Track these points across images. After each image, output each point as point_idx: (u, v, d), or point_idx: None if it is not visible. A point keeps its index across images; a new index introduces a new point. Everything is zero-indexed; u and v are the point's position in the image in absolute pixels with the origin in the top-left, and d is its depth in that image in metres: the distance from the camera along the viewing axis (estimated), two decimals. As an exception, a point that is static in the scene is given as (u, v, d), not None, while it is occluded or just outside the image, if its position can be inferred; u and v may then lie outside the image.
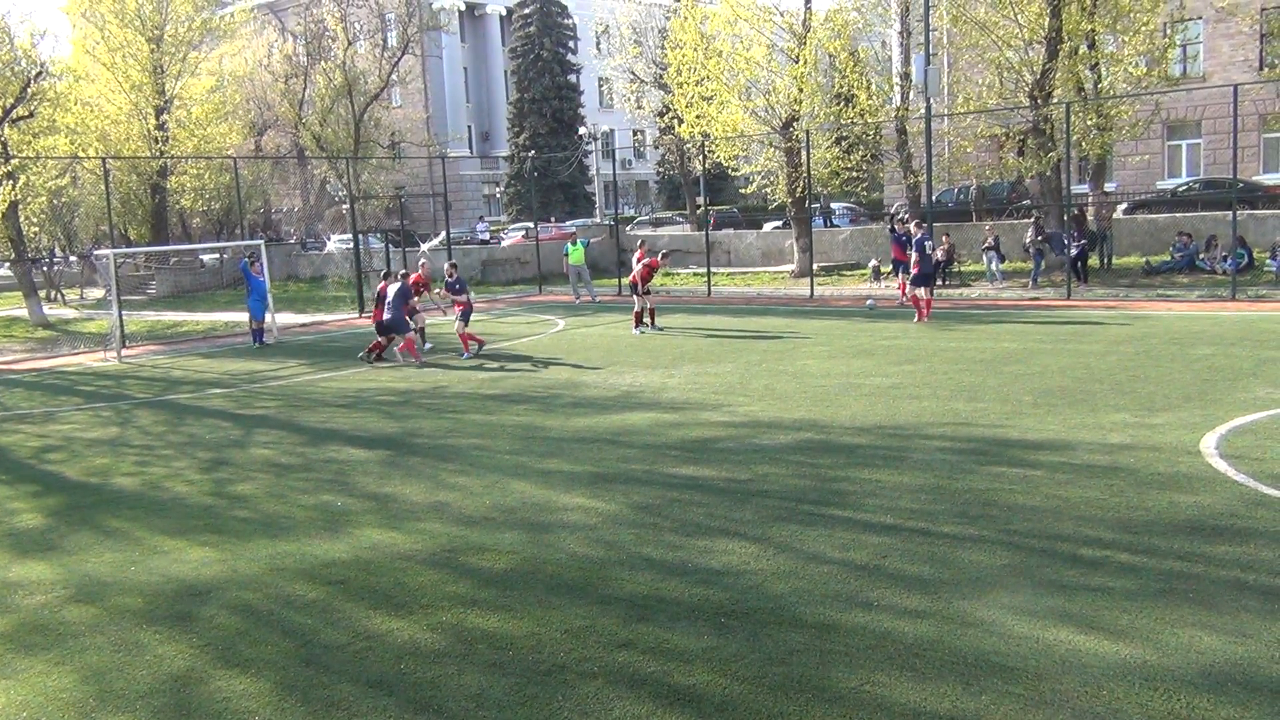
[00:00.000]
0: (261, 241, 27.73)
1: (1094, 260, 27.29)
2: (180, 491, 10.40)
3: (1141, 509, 8.02)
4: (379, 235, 40.77)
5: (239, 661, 6.17)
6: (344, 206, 42.58)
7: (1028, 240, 27.27)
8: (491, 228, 55.51)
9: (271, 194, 54.73)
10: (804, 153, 29.88)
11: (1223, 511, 7.85)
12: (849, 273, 33.22)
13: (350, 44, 47.16)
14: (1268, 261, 25.00)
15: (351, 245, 32.90)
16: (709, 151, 33.60)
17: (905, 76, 33.40)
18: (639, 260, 22.15)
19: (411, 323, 19.44)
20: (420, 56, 53.19)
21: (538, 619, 6.53)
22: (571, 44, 65.86)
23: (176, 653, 6.34)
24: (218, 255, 44.16)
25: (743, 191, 38.55)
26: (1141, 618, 6.03)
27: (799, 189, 31.60)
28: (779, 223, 40.82)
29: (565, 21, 65.59)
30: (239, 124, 45.62)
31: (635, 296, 21.77)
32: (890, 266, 25.72)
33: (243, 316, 25.70)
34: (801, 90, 31.00)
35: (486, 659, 5.98)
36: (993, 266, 27.85)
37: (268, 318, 23.59)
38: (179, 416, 14.88)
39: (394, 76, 49.00)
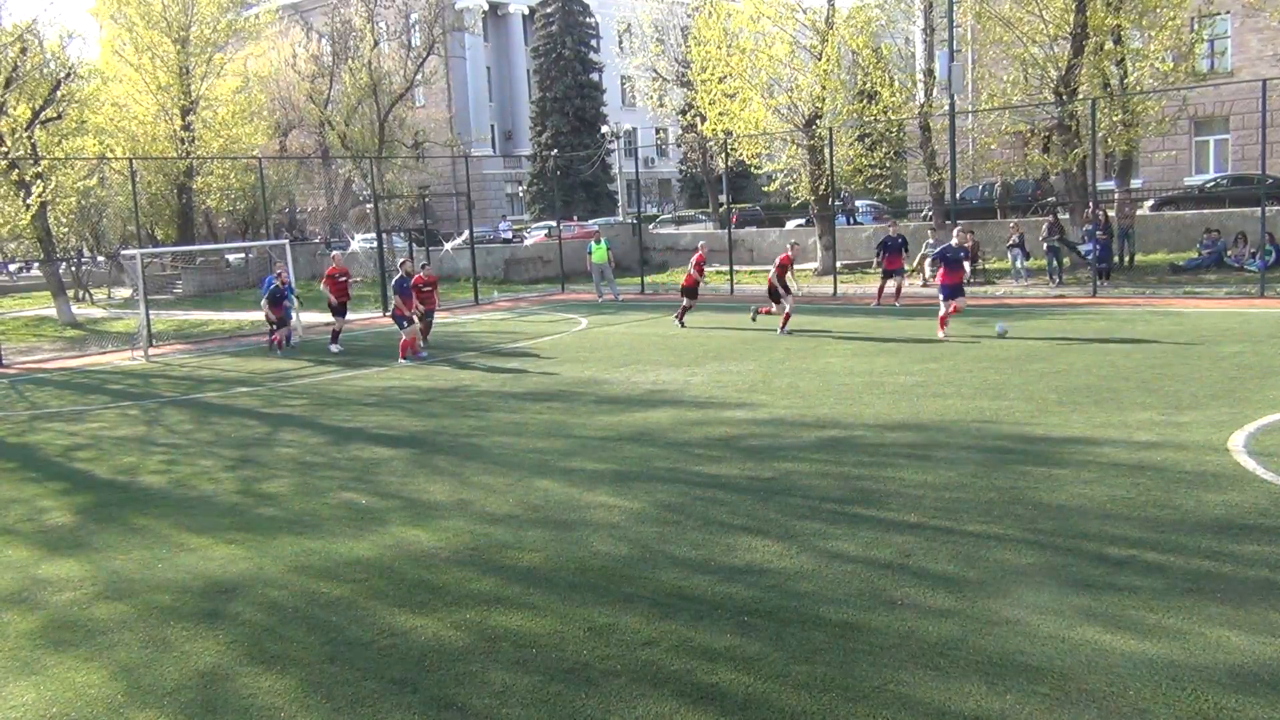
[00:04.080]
0: (286, 241, 27.91)
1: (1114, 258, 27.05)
2: (207, 489, 10.48)
3: (1169, 508, 7.95)
4: (403, 234, 40.97)
5: (265, 658, 6.21)
6: (368, 206, 42.76)
7: (1042, 238, 27.11)
8: (514, 227, 55.67)
9: (296, 194, 55.02)
10: (827, 150, 29.79)
11: (1251, 510, 7.78)
12: (872, 270, 33.04)
13: (376, 44, 47.38)
14: (1297, 258, 24.73)
15: (376, 244, 33.08)
16: (731, 149, 33.56)
17: (929, 73, 33.24)
18: (696, 263, 22.60)
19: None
20: (444, 56, 53.30)
21: (561, 617, 6.54)
22: (593, 43, 65.94)
23: (204, 649, 6.40)
24: (243, 255, 44.47)
25: (765, 189, 38.50)
26: (1169, 617, 5.99)
27: (822, 187, 31.49)
28: (802, 220, 40.74)
29: (587, 20, 65.67)
30: (264, 124, 45.87)
31: (692, 300, 22.14)
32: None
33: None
34: (824, 87, 30.88)
35: (510, 657, 6.00)
36: (1018, 264, 27.67)
37: (294, 318, 23.69)
38: (206, 415, 15.00)
39: (418, 76, 49.18)
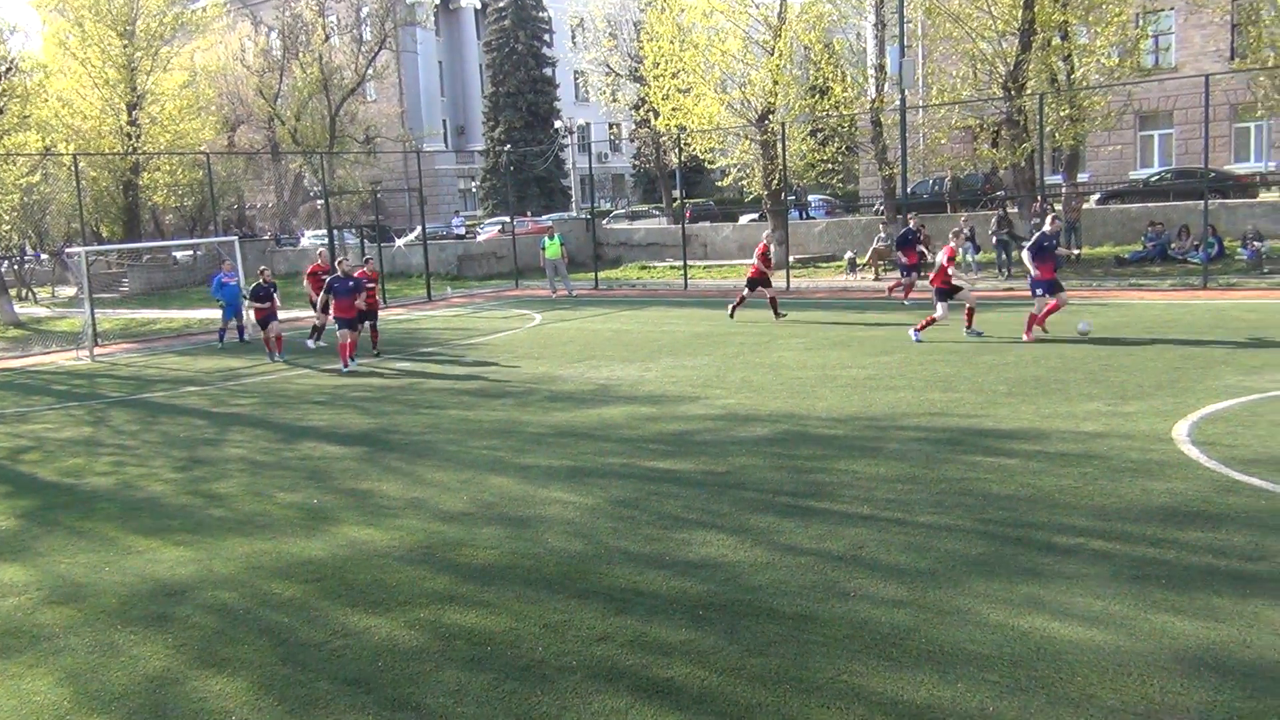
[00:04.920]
0: (235, 238, 27.56)
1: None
2: (155, 491, 10.33)
3: (1115, 496, 8.09)
4: (354, 230, 40.62)
5: (216, 661, 6.14)
6: (319, 202, 42.35)
7: (991, 232, 27.46)
8: (467, 222, 55.40)
9: (245, 190, 54.38)
10: (779, 145, 29.93)
11: (1195, 498, 7.93)
12: (825, 265, 33.30)
13: (327, 38, 46.95)
14: (1239, 250, 25.24)
15: (326, 241, 32.77)
16: (685, 144, 33.61)
17: (880, 68, 33.51)
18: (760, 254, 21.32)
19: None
20: (395, 51, 52.94)
21: (516, 614, 6.53)
22: (546, 37, 65.76)
23: (153, 653, 6.30)
24: (191, 252, 43.89)
25: (719, 184, 38.64)
26: (1114, 604, 6.09)
27: (775, 181, 31.65)
28: (755, 215, 40.91)
29: (540, 15, 65.48)
30: (212, 119, 45.31)
31: (750, 290, 21.25)
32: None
33: (217, 314, 25.49)
34: (777, 82, 31.06)
35: (465, 655, 5.98)
36: (968, 258, 27.97)
37: (246, 315, 23.30)
38: (153, 415, 14.78)
39: (370, 71, 48.79)
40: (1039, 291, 16.28)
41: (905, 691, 5.22)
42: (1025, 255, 16.80)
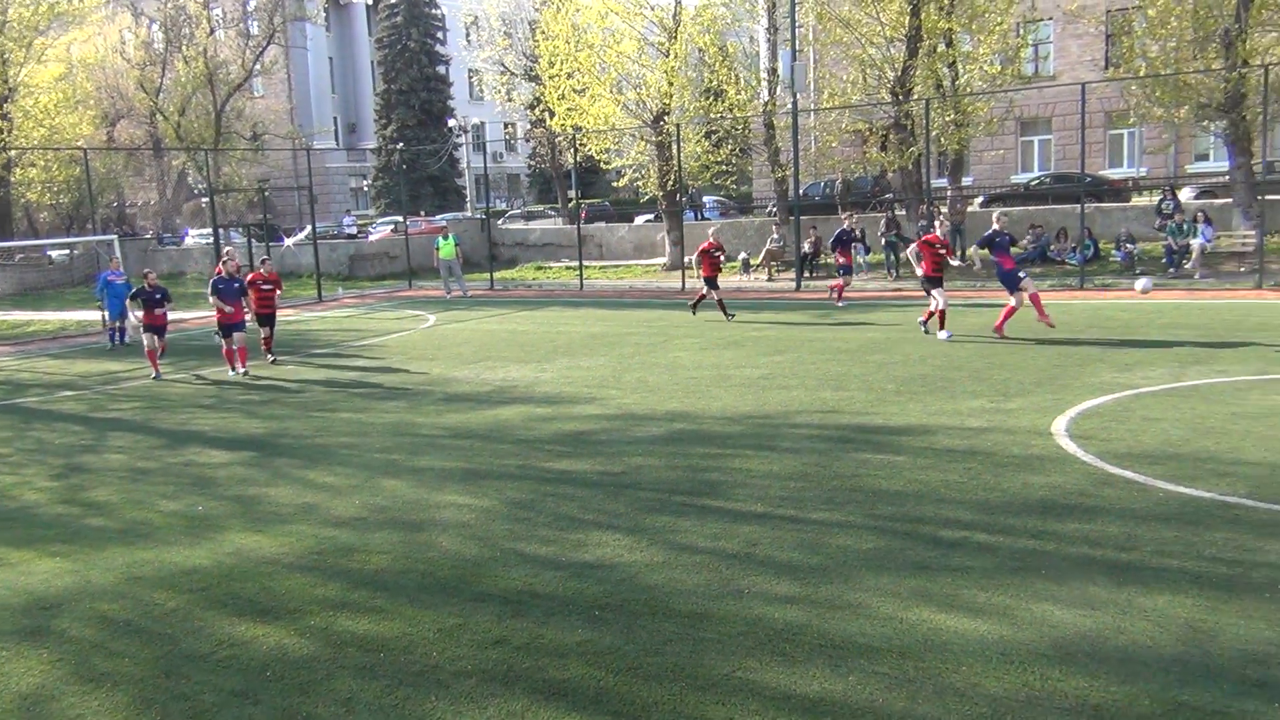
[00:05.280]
0: (114, 237, 26.62)
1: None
2: (28, 500, 9.90)
3: (997, 490, 8.34)
4: (241, 230, 39.59)
5: (94, 676, 5.90)
6: (204, 200, 41.16)
7: (880, 234, 28.12)
8: (359, 222, 54.46)
9: (126, 187, 52.54)
10: (675, 146, 30.13)
11: (1072, 490, 8.23)
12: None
13: (212, 31, 45.64)
14: (1113, 252, 26.29)
15: (212, 240, 31.87)
16: (580, 144, 33.59)
17: (773, 72, 34.00)
18: (705, 250, 21.08)
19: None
20: (284, 46, 51.73)
21: (410, 619, 6.43)
22: (440, 35, 65.01)
23: (25, 670, 6.04)
24: (68, 251, 42.23)
25: (614, 185, 38.71)
26: (997, 595, 6.28)
27: (670, 182, 31.86)
28: (650, 216, 41.11)
29: (433, 12, 64.72)
30: (90, 114, 43.66)
31: (713, 291, 20.89)
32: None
33: (95, 315, 24.61)
34: (672, 84, 31.27)
35: (357, 662, 5.87)
36: (858, 259, 28.54)
37: (132, 316, 22.39)
38: (26, 421, 14.16)
39: (257, 66, 47.60)
40: (1022, 275, 16.49)
41: (798, 685, 5.30)
42: (975, 249, 17.59)
